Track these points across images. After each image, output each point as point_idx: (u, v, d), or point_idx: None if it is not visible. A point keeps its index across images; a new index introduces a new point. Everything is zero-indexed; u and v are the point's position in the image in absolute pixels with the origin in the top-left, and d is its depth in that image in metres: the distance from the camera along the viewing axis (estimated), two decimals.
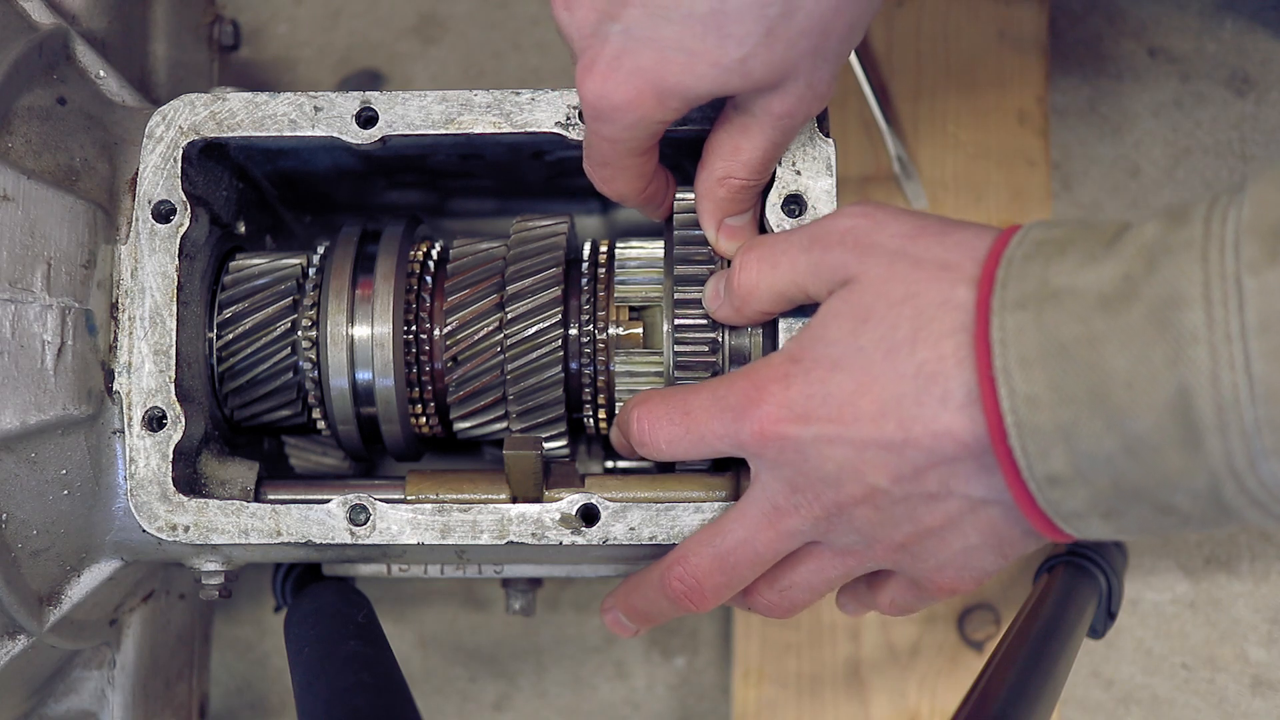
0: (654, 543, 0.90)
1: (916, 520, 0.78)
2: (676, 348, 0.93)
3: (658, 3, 0.79)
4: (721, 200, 0.89)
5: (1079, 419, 0.67)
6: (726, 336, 0.93)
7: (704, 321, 0.92)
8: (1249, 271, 0.62)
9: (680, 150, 0.95)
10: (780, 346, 0.90)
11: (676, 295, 0.93)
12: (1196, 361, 0.63)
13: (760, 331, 0.93)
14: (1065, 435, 0.68)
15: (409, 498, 0.94)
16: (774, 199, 0.92)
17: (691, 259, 0.93)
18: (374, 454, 1.07)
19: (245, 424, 1.04)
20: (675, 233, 0.94)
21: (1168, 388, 0.64)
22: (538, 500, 0.93)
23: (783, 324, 0.90)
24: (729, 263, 0.94)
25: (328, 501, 0.92)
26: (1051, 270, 0.70)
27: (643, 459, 0.92)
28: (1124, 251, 0.68)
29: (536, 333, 0.97)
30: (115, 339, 0.94)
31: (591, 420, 1.02)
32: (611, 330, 0.98)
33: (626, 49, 0.81)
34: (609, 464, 1.12)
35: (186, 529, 0.91)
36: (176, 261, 0.93)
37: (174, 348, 0.93)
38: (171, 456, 0.91)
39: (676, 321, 0.93)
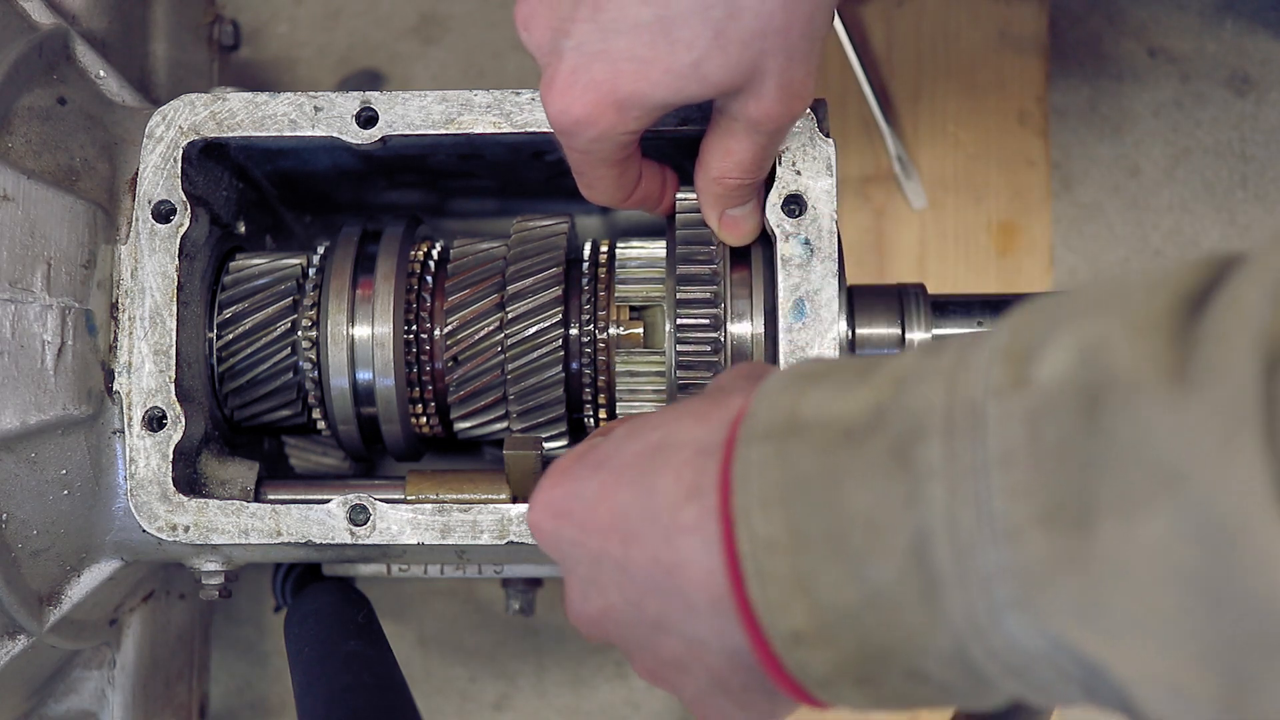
0: None
1: (654, 649, 0.71)
2: (680, 347, 0.93)
3: (605, 16, 0.79)
4: (719, 196, 0.90)
5: (818, 566, 0.59)
6: (729, 336, 0.93)
7: (706, 321, 0.92)
8: (993, 397, 0.54)
9: (680, 150, 0.95)
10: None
11: (679, 295, 0.93)
12: (933, 500, 0.55)
13: (761, 331, 0.93)
14: (804, 585, 0.59)
15: (409, 498, 0.94)
16: (774, 199, 0.92)
17: (694, 258, 0.93)
18: (374, 454, 1.07)
19: (245, 424, 1.04)
20: (678, 232, 0.94)
21: (906, 531, 0.56)
22: None
23: (783, 323, 0.90)
24: (730, 261, 0.94)
25: (328, 501, 0.92)
26: (803, 401, 0.62)
27: None
28: (876, 380, 0.60)
29: (537, 333, 0.97)
30: (115, 339, 0.94)
31: (592, 420, 1.02)
32: (612, 330, 0.98)
33: (580, 64, 0.81)
34: None
35: (186, 529, 0.91)
36: (176, 261, 0.93)
37: (174, 348, 0.93)
38: (171, 456, 0.91)
39: (679, 321, 0.93)
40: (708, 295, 0.93)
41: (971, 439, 0.54)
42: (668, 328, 0.95)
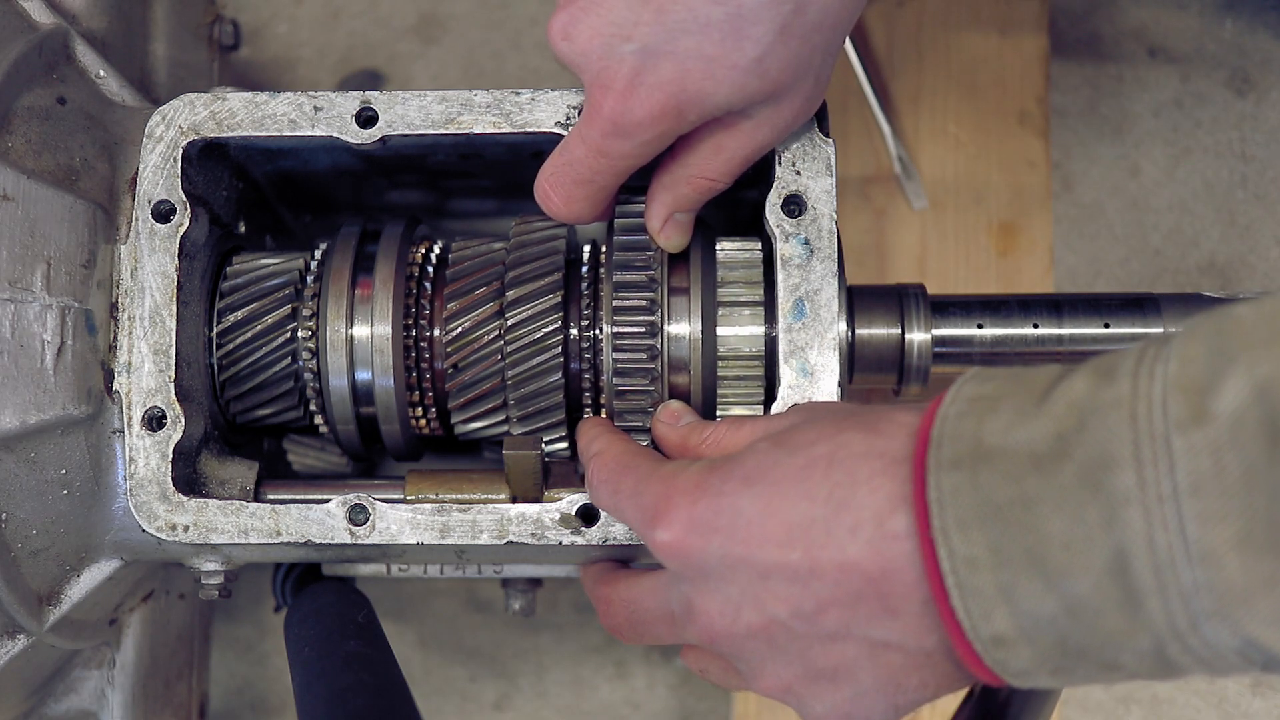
0: None
1: (808, 661, 0.74)
2: (615, 355, 0.92)
3: (672, 17, 0.79)
4: (682, 196, 0.89)
5: (1018, 581, 0.65)
6: (666, 343, 0.93)
7: (641, 330, 0.92)
8: (1177, 431, 0.60)
9: None
10: (776, 402, 0.90)
11: (615, 302, 0.92)
12: (1131, 524, 0.62)
13: (699, 333, 0.93)
14: (1006, 596, 0.66)
15: (409, 498, 0.94)
16: (774, 199, 0.92)
17: (632, 265, 0.93)
18: (374, 454, 1.07)
19: (245, 424, 1.04)
20: (616, 238, 0.94)
21: (1104, 550, 0.63)
22: (537, 500, 0.93)
23: (782, 323, 0.90)
24: (669, 265, 0.93)
25: (327, 501, 0.92)
26: (985, 429, 0.67)
27: None
28: (1054, 409, 0.66)
29: (537, 339, 0.97)
30: (115, 339, 0.94)
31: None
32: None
33: (645, 65, 0.81)
34: None
35: (186, 529, 0.91)
36: (176, 261, 0.93)
37: (174, 347, 0.93)
38: (171, 456, 0.91)
39: (615, 329, 0.92)
40: (644, 302, 0.92)
41: (1161, 469, 0.61)
42: (606, 331, 0.94)
